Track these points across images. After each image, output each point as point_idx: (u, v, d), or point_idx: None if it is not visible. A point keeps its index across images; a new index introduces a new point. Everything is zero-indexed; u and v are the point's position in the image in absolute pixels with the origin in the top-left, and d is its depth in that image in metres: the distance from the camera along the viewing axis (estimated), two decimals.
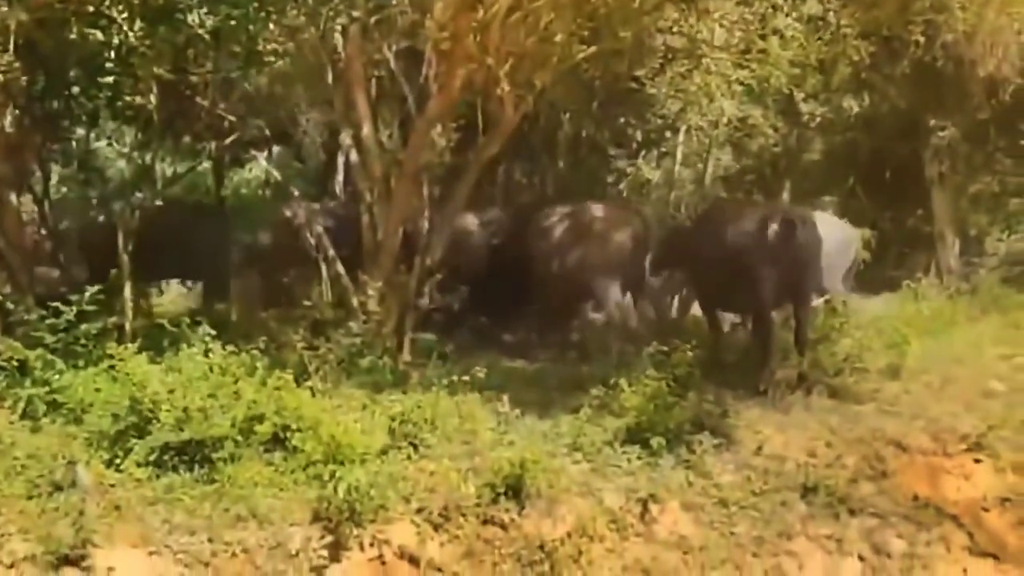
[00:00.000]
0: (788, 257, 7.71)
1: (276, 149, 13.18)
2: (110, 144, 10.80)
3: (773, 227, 7.76)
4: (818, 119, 12.32)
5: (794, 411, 7.43)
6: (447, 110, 8.04)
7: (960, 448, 7.22)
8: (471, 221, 9.60)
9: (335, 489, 5.61)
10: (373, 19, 7.99)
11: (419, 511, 5.86)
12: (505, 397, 6.98)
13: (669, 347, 7.12)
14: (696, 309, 9.39)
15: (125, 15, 6.89)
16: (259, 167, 12.59)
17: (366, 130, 8.31)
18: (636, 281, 8.76)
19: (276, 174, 10.99)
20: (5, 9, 6.75)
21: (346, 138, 8.84)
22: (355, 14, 7.74)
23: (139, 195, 9.20)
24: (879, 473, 6.95)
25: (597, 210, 9.05)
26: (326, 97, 9.33)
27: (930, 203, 11.90)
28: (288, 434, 6.01)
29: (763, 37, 8.58)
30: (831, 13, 8.65)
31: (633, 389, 6.83)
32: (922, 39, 9.55)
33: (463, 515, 5.92)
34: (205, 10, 7.10)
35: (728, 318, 8.88)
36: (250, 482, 5.74)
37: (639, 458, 6.56)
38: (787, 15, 8.68)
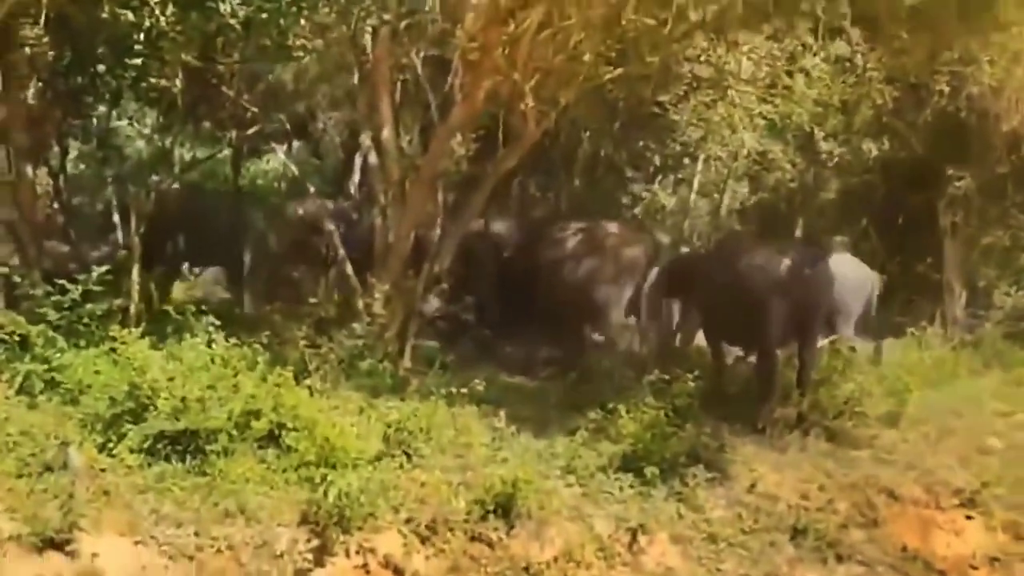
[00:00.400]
0: (798, 296, 7.69)
1: (295, 144, 13.20)
2: (131, 124, 10.80)
3: (786, 264, 7.76)
4: (836, 159, 12.24)
5: (790, 451, 7.41)
6: (469, 120, 8.06)
7: (953, 503, 7.20)
8: (483, 232, 9.59)
9: (325, 493, 5.59)
10: (404, 23, 8.02)
11: (407, 522, 5.83)
12: (502, 412, 6.99)
13: (671, 376, 7.11)
14: (700, 339, 9.36)
15: None
16: (277, 160, 12.59)
17: (387, 133, 8.32)
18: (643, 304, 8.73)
19: (293, 168, 10.98)
20: None
21: (366, 139, 8.87)
22: (386, 17, 7.78)
23: (155, 178, 9.22)
24: (870, 521, 6.92)
25: (609, 229, 9.07)
26: (350, 97, 9.34)
27: (941, 252, 11.84)
28: (283, 432, 5.99)
29: (789, 74, 8.63)
30: (859, 56, 8.68)
31: (631, 416, 6.82)
32: (947, 89, 9.58)
33: (451, 530, 5.89)
34: (238, 0, 7.11)
35: (733, 351, 8.84)
36: (241, 478, 5.72)
37: (632, 486, 6.53)
38: (815, 54, 8.71)
